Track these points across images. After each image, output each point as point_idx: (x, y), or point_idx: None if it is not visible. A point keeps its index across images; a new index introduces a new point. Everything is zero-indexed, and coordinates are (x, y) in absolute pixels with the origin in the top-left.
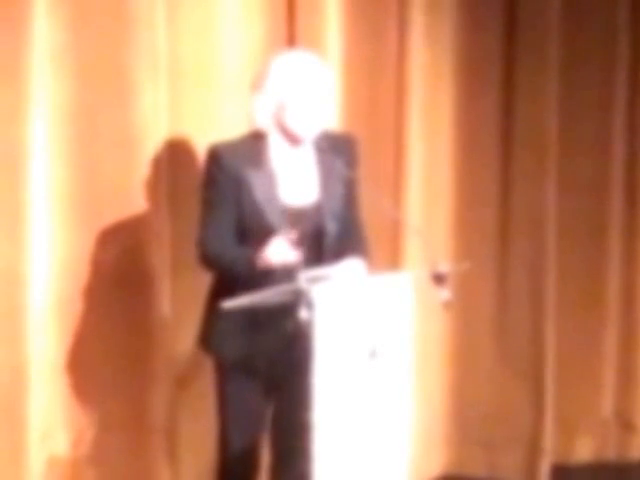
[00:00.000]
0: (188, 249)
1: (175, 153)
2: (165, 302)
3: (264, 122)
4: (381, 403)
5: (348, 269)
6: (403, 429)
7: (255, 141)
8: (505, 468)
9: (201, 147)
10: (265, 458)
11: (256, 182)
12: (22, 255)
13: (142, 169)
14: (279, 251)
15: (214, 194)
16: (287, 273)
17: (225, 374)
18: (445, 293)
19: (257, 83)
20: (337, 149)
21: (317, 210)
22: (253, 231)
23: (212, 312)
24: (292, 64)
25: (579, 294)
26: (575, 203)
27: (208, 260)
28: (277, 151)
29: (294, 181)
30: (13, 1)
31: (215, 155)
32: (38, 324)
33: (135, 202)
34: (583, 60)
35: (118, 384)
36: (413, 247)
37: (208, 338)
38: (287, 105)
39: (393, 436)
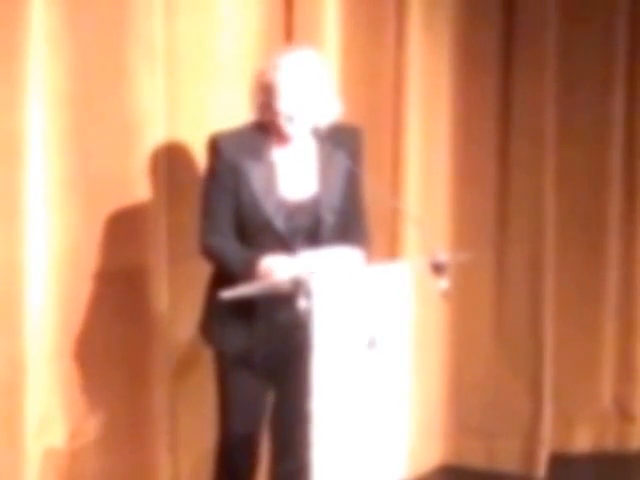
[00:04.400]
0: (186, 239)
1: (172, 142)
2: (163, 293)
3: (260, 118)
4: (380, 393)
5: (343, 255)
6: (402, 419)
7: (256, 131)
8: (503, 458)
9: (198, 136)
10: (265, 447)
11: (254, 173)
12: (19, 245)
13: (139, 158)
14: (281, 268)
15: (213, 184)
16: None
17: (225, 364)
18: (444, 282)
19: (254, 80)
20: (341, 141)
21: (315, 204)
22: (250, 223)
23: (212, 302)
24: (284, 63)
25: (578, 283)
26: (574, 192)
27: (207, 253)
28: (278, 143)
29: (293, 174)
30: None
31: (214, 144)
32: (36, 315)
33: (132, 191)
34: (581, 49)
35: (116, 375)
36: (412, 236)
37: (208, 329)
38: (276, 103)
39: (392, 426)
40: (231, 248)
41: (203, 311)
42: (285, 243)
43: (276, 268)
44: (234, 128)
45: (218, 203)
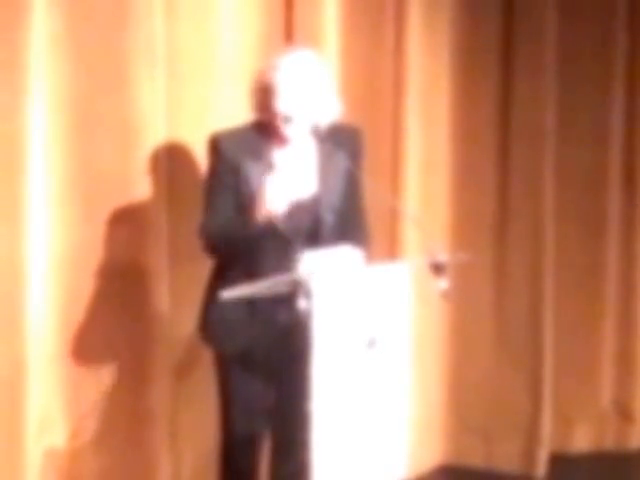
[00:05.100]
0: (186, 240)
1: (173, 142)
2: (163, 293)
3: (260, 119)
4: (379, 393)
5: (343, 255)
6: (401, 419)
7: (256, 131)
8: (503, 457)
9: (199, 137)
10: (265, 447)
11: (254, 173)
12: (21, 245)
13: (140, 159)
14: (272, 196)
15: (214, 182)
16: (285, 255)
17: (226, 363)
18: (443, 283)
19: (253, 80)
20: (341, 141)
21: (315, 203)
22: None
23: (211, 302)
24: (282, 64)
25: (577, 283)
26: (573, 193)
27: (209, 242)
28: (278, 143)
29: (293, 174)
30: None
31: (214, 143)
32: (36, 315)
33: (133, 192)
34: (581, 50)
35: (117, 375)
36: (411, 237)
37: (208, 328)
38: (274, 104)
39: (391, 426)
40: (226, 220)
41: (202, 310)
42: (287, 241)
43: (272, 197)
44: (234, 128)
45: (220, 200)
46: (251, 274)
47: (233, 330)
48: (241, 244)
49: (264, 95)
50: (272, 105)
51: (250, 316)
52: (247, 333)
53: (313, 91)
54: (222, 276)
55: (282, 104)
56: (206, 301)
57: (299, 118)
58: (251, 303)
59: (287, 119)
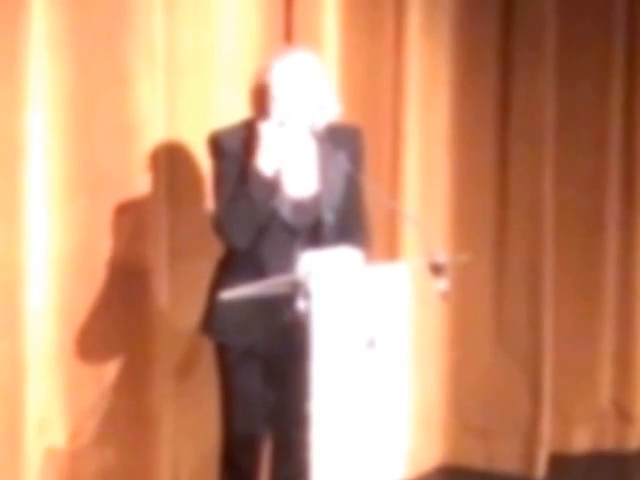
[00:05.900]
0: (186, 238)
1: (172, 142)
2: (163, 291)
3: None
4: (379, 393)
5: (343, 255)
6: (401, 419)
7: (253, 128)
8: (503, 458)
9: (198, 137)
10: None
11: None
12: (20, 245)
13: (140, 158)
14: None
15: (221, 177)
16: (289, 249)
17: (227, 363)
18: (443, 283)
19: (251, 81)
20: (341, 141)
21: (316, 202)
22: None
23: (216, 296)
24: (278, 65)
25: (576, 284)
26: (572, 193)
27: (222, 228)
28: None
29: (294, 173)
30: None
31: (215, 141)
32: (36, 314)
33: (133, 191)
34: (580, 50)
35: (117, 375)
36: (411, 237)
37: (212, 322)
38: (269, 105)
39: (391, 426)
40: (230, 199)
41: (207, 304)
42: (291, 231)
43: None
44: (232, 125)
45: (228, 192)
46: (256, 267)
47: (238, 323)
48: (248, 213)
49: (260, 96)
50: (268, 107)
51: (255, 310)
52: (252, 327)
53: (309, 93)
54: (227, 270)
55: (277, 106)
56: (210, 295)
57: (294, 120)
58: (254, 300)
59: (281, 123)
